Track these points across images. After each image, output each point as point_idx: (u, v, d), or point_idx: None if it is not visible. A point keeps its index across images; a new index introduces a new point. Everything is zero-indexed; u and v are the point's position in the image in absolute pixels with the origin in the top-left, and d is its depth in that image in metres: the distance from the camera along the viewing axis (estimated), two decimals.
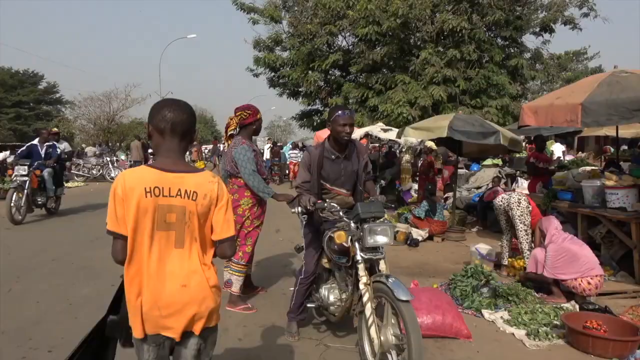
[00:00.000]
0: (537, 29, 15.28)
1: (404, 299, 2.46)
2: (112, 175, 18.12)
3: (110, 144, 31.53)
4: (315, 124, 19.80)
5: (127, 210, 1.63)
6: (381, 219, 2.93)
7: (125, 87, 36.30)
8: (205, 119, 64.33)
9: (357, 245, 2.84)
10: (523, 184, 8.99)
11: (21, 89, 45.01)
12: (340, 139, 3.18)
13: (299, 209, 3.07)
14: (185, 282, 1.65)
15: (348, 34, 17.37)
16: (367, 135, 10.31)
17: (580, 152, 18.17)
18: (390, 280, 2.62)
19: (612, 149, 15.90)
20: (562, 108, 5.07)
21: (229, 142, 4.02)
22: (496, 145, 7.66)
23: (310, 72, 16.77)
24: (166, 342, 1.68)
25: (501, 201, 5.03)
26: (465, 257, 6.17)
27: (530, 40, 16.51)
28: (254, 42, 19.04)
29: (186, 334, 1.67)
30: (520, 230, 4.76)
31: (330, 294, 3.23)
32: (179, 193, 1.65)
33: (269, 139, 27.96)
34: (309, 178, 3.21)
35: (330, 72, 17.94)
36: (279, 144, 22.18)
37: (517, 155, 12.64)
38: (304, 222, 3.38)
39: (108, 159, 18.69)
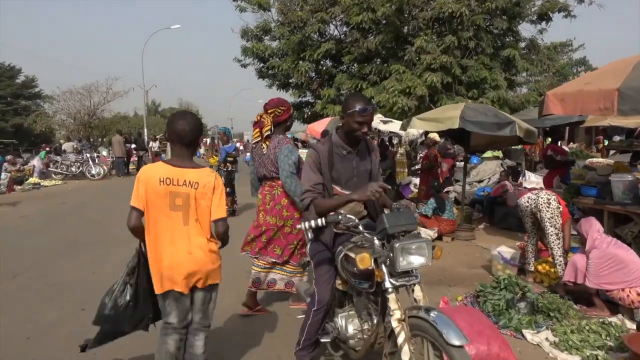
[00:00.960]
0: (534, 17, 14.75)
1: (457, 343, 1.86)
2: (93, 172, 17.20)
3: (91, 140, 30.42)
4: (306, 116, 19.10)
5: (146, 192, 2.22)
6: (413, 233, 2.32)
7: (106, 80, 34.90)
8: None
9: (384, 268, 2.22)
10: (530, 177, 8.49)
11: None
12: (354, 137, 2.57)
13: (308, 224, 2.41)
14: (190, 250, 2.25)
15: (340, 22, 16.68)
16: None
17: (571, 143, 17.85)
18: (433, 315, 2.02)
19: (605, 140, 15.60)
20: (593, 95, 4.50)
21: (267, 143, 3.61)
22: (508, 137, 7.15)
23: (300, 62, 16.05)
24: (182, 296, 2.28)
25: (528, 202, 4.47)
26: (480, 260, 5.64)
27: (526, 29, 15.98)
28: (242, 32, 18.20)
29: (194, 288, 2.31)
30: (551, 235, 4.21)
31: (348, 324, 2.62)
32: (184, 183, 2.23)
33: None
34: (321, 179, 2.58)
35: (322, 62, 17.23)
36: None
37: (514, 147, 12.21)
38: (310, 239, 2.76)
39: (88, 155, 17.72)
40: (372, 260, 2.23)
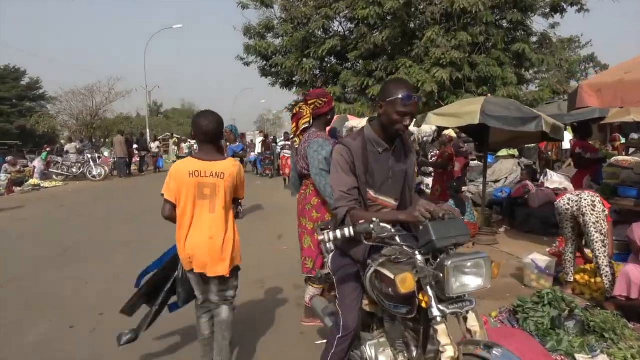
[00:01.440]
0: (547, 10, 14.25)
1: None
2: (94, 173, 16.82)
3: (94, 140, 30.11)
4: None
5: (177, 185, 2.50)
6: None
7: (108, 81, 34.56)
8: (193, 113, 62.80)
9: (430, 291, 1.78)
10: (552, 177, 8.01)
11: (2, 84, 43.19)
12: (393, 131, 2.12)
13: (331, 235, 1.94)
14: (212, 235, 2.50)
15: (344, 18, 16.24)
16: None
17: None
18: (497, 353, 1.58)
19: (621, 137, 15.06)
20: (637, 84, 4.06)
21: (300, 137, 3.32)
22: (530, 134, 6.69)
23: (304, 59, 15.63)
24: (201, 277, 2.57)
25: (568, 204, 4.00)
26: (508, 268, 5.18)
27: (538, 23, 15.46)
28: (244, 29, 17.79)
29: (213, 276, 2.55)
30: (597, 242, 3.74)
31: (379, 354, 2.17)
32: (211, 174, 2.50)
33: (260, 132, 26.78)
34: (356, 183, 2.12)
35: (326, 59, 16.79)
36: (270, 137, 21.03)
37: (527, 145, 11.72)
38: (331, 252, 2.31)
39: (89, 155, 17.35)
40: (415, 280, 1.79)
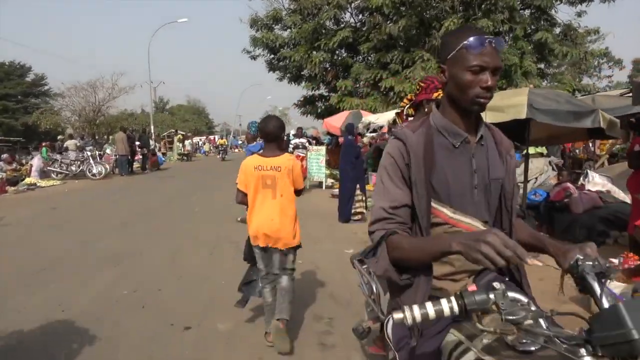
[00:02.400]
0: None
1: None
2: (94, 171, 16.12)
3: (97, 137, 29.51)
4: (319, 110, 17.87)
5: (246, 177, 3.00)
6: None
7: (111, 76, 33.88)
8: (198, 109, 62.18)
9: None
10: (594, 178, 7.17)
11: (7, 81, 42.78)
12: (471, 102, 1.34)
13: (413, 313, 1.07)
14: (272, 217, 2.94)
15: (356, 9, 15.40)
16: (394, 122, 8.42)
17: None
18: None
19: None
20: None
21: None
22: (577, 130, 5.86)
23: (314, 52, 14.82)
24: (264, 251, 3.03)
25: None
26: (567, 290, 4.35)
27: (564, 12, 14.48)
28: (251, 21, 17.03)
29: (274, 249, 3.00)
30: None
31: None
32: (271, 168, 2.96)
33: None
34: (407, 199, 1.37)
35: (337, 52, 15.98)
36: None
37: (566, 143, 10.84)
38: (391, 324, 1.46)
39: (89, 153, 16.65)
40: None
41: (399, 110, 2.99)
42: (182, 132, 33.42)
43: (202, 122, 59.06)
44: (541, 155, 10.03)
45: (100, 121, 31.00)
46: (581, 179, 7.31)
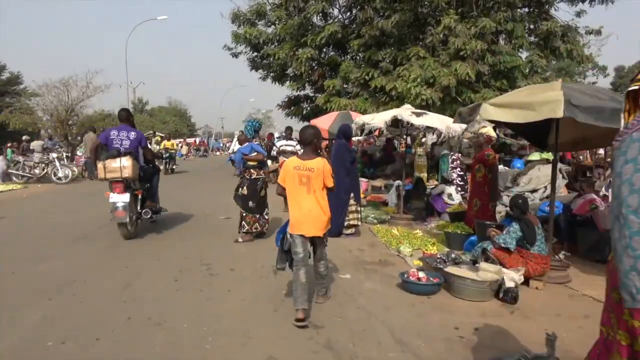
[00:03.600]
0: None
1: None
2: (60, 175, 14.76)
3: (70, 138, 27.92)
4: (304, 112, 16.89)
5: (285, 175, 3.67)
6: None
7: (86, 74, 32.19)
8: (180, 111, 60.60)
9: None
10: None
11: None
12: None
13: None
14: (310, 209, 3.58)
15: (345, 6, 14.51)
16: (395, 122, 7.51)
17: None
18: None
19: None
20: None
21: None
22: (610, 132, 5.02)
23: (300, 49, 13.85)
24: (304, 238, 3.61)
25: None
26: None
27: (564, 10, 13.84)
28: (232, 15, 15.96)
29: (314, 237, 3.66)
30: None
31: None
32: (306, 169, 3.60)
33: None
34: None
35: (324, 49, 15.05)
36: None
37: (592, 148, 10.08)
38: None
39: (55, 155, 15.30)
40: None
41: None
42: (160, 134, 32.02)
43: (184, 124, 57.40)
44: (547, 161, 9.27)
45: (74, 121, 29.43)
46: (603, 189, 6.51)
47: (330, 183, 3.66)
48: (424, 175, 11.98)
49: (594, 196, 5.94)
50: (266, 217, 6.36)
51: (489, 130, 6.65)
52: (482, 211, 6.13)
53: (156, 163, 7.38)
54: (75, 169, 15.97)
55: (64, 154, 17.07)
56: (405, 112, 7.07)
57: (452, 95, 10.77)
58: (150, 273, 4.77)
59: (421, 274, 4.22)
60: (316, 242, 3.75)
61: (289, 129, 8.71)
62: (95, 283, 4.41)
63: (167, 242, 6.28)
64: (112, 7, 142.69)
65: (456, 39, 10.49)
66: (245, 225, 6.13)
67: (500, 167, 10.32)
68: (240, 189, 6.21)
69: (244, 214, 6.14)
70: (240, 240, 6.13)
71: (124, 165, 5.86)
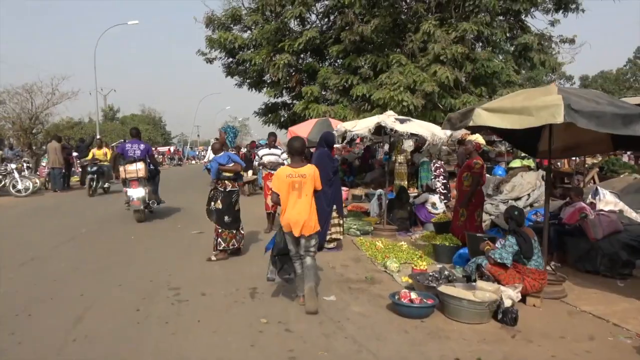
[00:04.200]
0: (550, 5, 12.76)
1: None
2: (19, 187, 13.81)
3: (34, 148, 26.58)
4: (282, 119, 16.49)
5: (279, 183, 4.07)
6: None
7: (51, 80, 30.76)
8: (154, 119, 59.18)
9: None
10: (605, 196, 6.22)
11: None
12: None
13: None
14: (301, 212, 3.98)
15: (322, 12, 14.24)
16: (378, 130, 7.18)
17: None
18: None
19: None
20: None
21: None
22: (602, 140, 4.83)
23: (277, 54, 13.47)
24: (294, 237, 4.03)
25: None
26: (625, 352, 3.19)
27: (539, 19, 13.94)
28: (206, 19, 15.49)
29: (301, 236, 4.02)
30: None
31: None
32: (298, 175, 4.02)
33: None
34: None
35: (302, 56, 14.72)
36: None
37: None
38: None
39: (14, 166, 14.33)
40: None
41: None
42: None
43: (158, 132, 55.94)
44: (529, 168, 9.15)
45: (38, 130, 28.06)
46: (590, 196, 6.33)
47: (320, 186, 4.16)
48: (404, 183, 11.75)
49: (583, 204, 5.73)
50: (242, 233, 5.89)
51: (477, 137, 6.39)
52: (469, 221, 5.84)
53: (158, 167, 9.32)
54: (37, 180, 15.02)
55: (25, 165, 16.09)
56: (389, 119, 6.76)
57: (433, 101, 10.57)
58: (109, 302, 4.21)
59: (413, 295, 3.84)
60: (301, 241, 4.09)
61: (272, 136, 8.09)
62: (41, 317, 3.82)
63: (131, 262, 5.71)
64: (81, 10, 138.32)
65: (435, 44, 10.31)
66: (222, 243, 5.62)
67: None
68: (213, 202, 5.71)
69: (220, 230, 5.64)
70: (213, 258, 5.63)
71: (138, 168, 7.95)
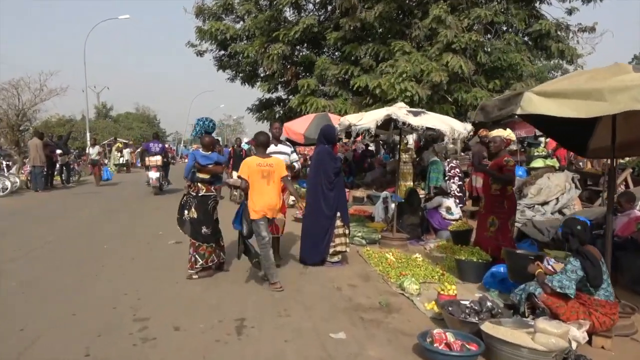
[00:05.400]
0: None
1: None
2: None
3: (21, 145, 25.47)
4: (277, 115, 15.49)
5: (249, 170, 4.38)
6: None
7: (39, 75, 29.54)
8: (148, 118, 58.10)
9: None
10: None
11: None
12: None
13: None
14: (270, 196, 4.37)
15: (318, 5, 13.27)
16: (390, 122, 6.24)
17: None
18: None
19: None
20: None
21: None
22: None
23: (272, 45, 12.50)
24: (266, 220, 4.40)
25: None
26: None
27: (556, 6, 12.97)
28: (196, 9, 14.49)
29: (271, 219, 4.53)
30: None
31: None
32: (266, 165, 4.40)
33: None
34: None
35: (297, 47, 13.75)
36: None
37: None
38: None
39: None
40: None
41: None
42: (122, 140, 29.88)
43: (152, 130, 54.82)
44: (553, 169, 8.23)
45: (26, 127, 26.95)
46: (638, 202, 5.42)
47: (286, 172, 4.52)
48: (409, 184, 10.83)
49: (637, 211, 4.82)
50: (222, 244, 4.94)
51: (510, 134, 5.47)
52: (502, 232, 4.90)
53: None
54: (17, 179, 14.02)
55: (4, 163, 15.06)
56: (400, 111, 5.81)
57: (441, 93, 9.64)
58: (53, 340, 3.26)
59: (450, 336, 2.91)
60: (270, 222, 4.55)
61: (276, 125, 6.82)
62: None
63: (96, 279, 4.75)
64: (71, 5, 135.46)
65: (447, 30, 9.37)
66: (199, 260, 4.65)
67: None
68: (186, 211, 4.73)
69: (196, 245, 4.68)
70: (195, 277, 4.67)
71: (157, 159, 11.48)
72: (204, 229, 4.65)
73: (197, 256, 4.65)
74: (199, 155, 4.80)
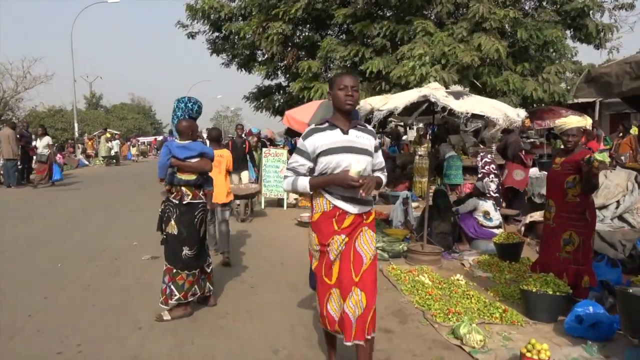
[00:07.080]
0: None
1: None
2: None
3: None
4: (277, 105, 14.12)
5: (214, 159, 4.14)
6: None
7: (22, 62, 27.87)
8: (144, 109, 56.59)
9: None
10: None
11: None
12: None
13: None
14: (221, 185, 4.82)
15: None
16: (430, 106, 4.95)
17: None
18: None
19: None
20: None
21: None
22: None
23: (271, 23, 11.10)
24: (220, 205, 4.97)
25: None
26: None
27: None
28: None
29: (224, 204, 5.07)
30: None
31: None
32: (219, 155, 4.68)
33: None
34: None
35: (299, 28, 12.35)
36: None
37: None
38: None
39: None
40: None
41: None
42: (111, 131, 28.37)
43: (147, 121, 53.24)
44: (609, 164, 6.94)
45: (8, 117, 25.47)
46: None
47: (231, 167, 5.10)
48: (424, 181, 9.58)
49: None
50: (208, 270, 3.65)
51: (587, 122, 4.19)
52: (583, 253, 3.63)
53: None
54: None
55: None
56: (439, 92, 4.51)
57: (470, 78, 8.32)
58: None
59: None
60: (220, 208, 5.06)
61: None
62: None
63: (29, 320, 3.44)
64: None
65: (480, 4, 8.00)
66: (176, 293, 3.35)
67: (535, 170, 8.00)
68: (165, 224, 3.45)
69: (173, 272, 3.39)
70: (166, 317, 3.37)
71: None
72: (185, 250, 3.36)
73: (173, 287, 3.35)
74: (174, 146, 3.49)
